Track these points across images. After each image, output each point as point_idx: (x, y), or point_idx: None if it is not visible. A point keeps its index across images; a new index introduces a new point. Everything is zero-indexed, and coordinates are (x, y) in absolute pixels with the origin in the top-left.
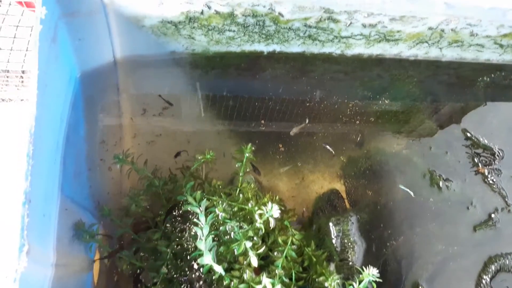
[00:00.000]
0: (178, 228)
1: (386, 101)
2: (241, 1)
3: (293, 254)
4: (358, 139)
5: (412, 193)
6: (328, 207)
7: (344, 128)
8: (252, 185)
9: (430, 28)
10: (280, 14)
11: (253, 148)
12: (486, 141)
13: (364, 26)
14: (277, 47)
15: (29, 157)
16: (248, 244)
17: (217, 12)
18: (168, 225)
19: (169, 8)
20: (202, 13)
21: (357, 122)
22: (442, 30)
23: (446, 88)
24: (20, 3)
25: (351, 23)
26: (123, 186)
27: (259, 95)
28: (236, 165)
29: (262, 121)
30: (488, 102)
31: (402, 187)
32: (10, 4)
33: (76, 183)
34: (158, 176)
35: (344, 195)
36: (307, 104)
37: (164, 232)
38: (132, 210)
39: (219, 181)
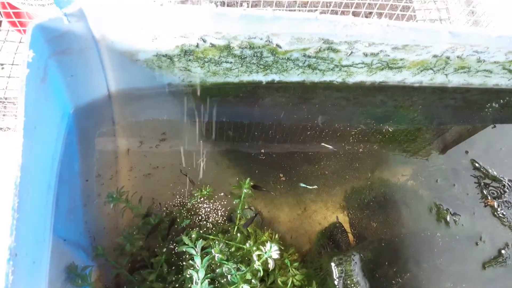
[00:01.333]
0: (174, 268)
1: (390, 129)
2: (237, 34)
3: None
4: (359, 166)
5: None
6: (330, 243)
7: (347, 156)
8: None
9: (435, 56)
10: (278, 45)
11: (251, 180)
12: (495, 172)
13: (365, 55)
14: (276, 77)
15: (14, 211)
16: (246, 287)
17: (213, 45)
18: (164, 266)
19: (163, 42)
20: (197, 46)
21: (360, 150)
22: (448, 57)
23: (453, 114)
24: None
25: (351, 52)
26: (120, 221)
27: (258, 124)
28: (234, 202)
29: (262, 150)
30: (497, 129)
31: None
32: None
33: (70, 220)
34: (154, 213)
35: (347, 227)
36: (308, 133)
37: (160, 273)
38: (127, 249)
39: (218, 216)
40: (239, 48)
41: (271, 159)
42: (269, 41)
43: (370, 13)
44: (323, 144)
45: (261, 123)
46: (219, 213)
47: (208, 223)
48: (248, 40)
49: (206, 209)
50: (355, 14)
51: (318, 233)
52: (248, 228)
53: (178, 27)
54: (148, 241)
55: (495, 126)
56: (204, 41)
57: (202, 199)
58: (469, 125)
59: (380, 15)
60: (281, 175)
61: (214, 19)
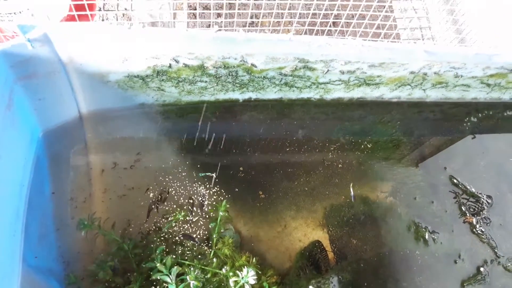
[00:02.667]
0: None
1: (368, 144)
2: (211, 55)
3: None
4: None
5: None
6: (308, 265)
7: (326, 172)
8: (230, 241)
9: (412, 72)
10: (253, 65)
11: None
12: (473, 188)
13: (342, 72)
14: (252, 95)
15: None
16: None
17: (186, 65)
18: None
19: (135, 63)
20: (170, 66)
21: (339, 166)
22: (425, 74)
23: (432, 129)
24: None
25: (328, 70)
26: (95, 244)
27: (237, 142)
28: (210, 226)
29: (241, 168)
30: (476, 143)
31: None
32: None
33: (41, 247)
34: (129, 238)
35: (327, 245)
36: (287, 149)
37: None
38: (100, 277)
39: (196, 237)
40: (214, 67)
41: (250, 177)
42: (243, 61)
43: (350, 23)
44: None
45: (239, 141)
46: (198, 234)
47: (185, 247)
48: (222, 60)
49: (184, 231)
50: (335, 24)
51: (297, 253)
52: (226, 251)
53: (148, 49)
54: (123, 267)
55: (474, 137)
56: (177, 61)
57: (179, 221)
58: (447, 139)
59: (360, 25)
60: (261, 193)
61: (186, 41)
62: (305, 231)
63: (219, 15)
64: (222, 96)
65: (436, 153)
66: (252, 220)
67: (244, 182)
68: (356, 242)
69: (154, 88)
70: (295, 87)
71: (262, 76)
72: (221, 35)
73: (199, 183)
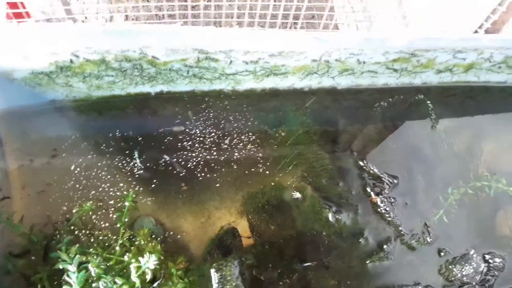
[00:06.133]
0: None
1: (282, 133)
2: (109, 48)
3: None
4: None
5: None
6: (218, 250)
7: (245, 162)
8: (146, 231)
9: (314, 60)
10: (154, 57)
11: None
12: (380, 170)
13: (246, 63)
14: (164, 88)
15: None
16: None
17: (87, 60)
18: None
19: (36, 60)
20: (71, 62)
21: (257, 155)
22: (327, 61)
23: (344, 116)
24: None
25: (231, 61)
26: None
27: (153, 136)
28: (115, 215)
29: (161, 161)
30: (387, 127)
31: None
32: None
33: None
34: (41, 230)
35: (246, 231)
36: (206, 141)
37: None
38: (9, 269)
39: (111, 228)
40: (116, 61)
41: (171, 169)
42: (144, 53)
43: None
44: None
45: (156, 134)
46: (112, 225)
47: (96, 237)
48: (122, 54)
49: (100, 222)
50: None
51: (208, 240)
52: (142, 241)
53: (45, 45)
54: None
55: (386, 121)
56: (77, 56)
57: (93, 213)
58: (359, 125)
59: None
60: (183, 184)
61: (79, 36)
62: (229, 220)
63: (185, 16)
64: (132, 89)
65: (346, 138)
66: (175, 211)
67: (165, 175)
68: (268, 227)
69: (62, 84)
70: (205, 78)
71: (168, 68)
72: (111, 28)
73: (118, 177)
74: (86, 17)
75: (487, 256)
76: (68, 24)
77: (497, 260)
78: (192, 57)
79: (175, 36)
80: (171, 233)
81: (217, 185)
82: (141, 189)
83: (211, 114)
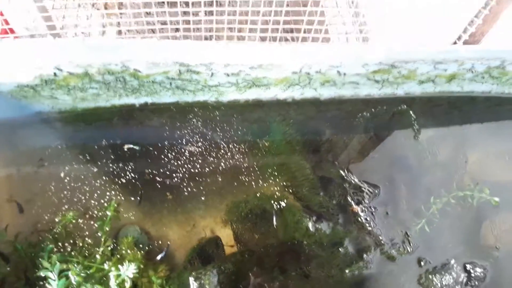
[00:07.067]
0: None
1: (266, 143)
2: (91, 62)
3: None
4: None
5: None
6: (198, 258)
7: (230, 172)
8: (130, 239)
9: (294, 72)
10: (136, 70)
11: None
12: (361, 180)
13: (227, 75)
14: (148, 99)
15: None
16: None
17: (71, 74)
18: None
19: (21, 74)
20: (55, 75)
21: (242, 165)
22: (308, 73)
23: (327, 126)
24: None
25: (213, 73)
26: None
27: (139, 146)
28: (96, 224)
29: (147, 171)
30: (370, 137)
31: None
32: None
33: None
34: (26, 238)
35: (230, 240)
36: (190, 151)
37: None
38: None
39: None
40: (99, 74)
41: (156, 179)
42: (125, 67)
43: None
44: None
45: (142, 145)
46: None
47: (78, 245)
48: (105, 67)
49: (83, 231)
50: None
51: (190, 249)
52: (123, 251)
53: (28, 60)
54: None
55: (368, 131)
56: (60, 70)
57: (78, 221)
58: (341, 135)
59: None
60: (168, 194)
61: (59, 51)
62: (214, 229)
63: (177, 30)
64: (117, 101)
65: (329, 148)
66: (161, 220)
67: (151, 184)
68: (251, 234)
69: (47, 96)
70: (188, 90)
71: (151, 81)
72: (91, 43)
73: (103, 186)
74: (66, 33)
75: (468, 266)
76: (49, 39)
77: (478, 270)
78: (173, 70)
79: (154, 50)
80: (156, 241)
81: (203, 194)
82: (127, 198)
83: (195, 124)
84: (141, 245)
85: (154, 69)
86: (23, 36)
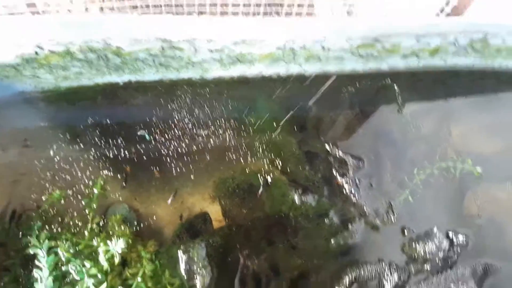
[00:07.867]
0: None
1: (252, 120)
2: (72, 40)
3: (143, 285)
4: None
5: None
6: (186, 233)
7: (217, 149)
8: (118, 217)
9: (279, 48)
10: (118, 47)
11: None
12: (345, 154)
13: (211, 51)
14: (131, 77)
15: None
16: (90, 282)
17: (52, 52)
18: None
19: (1, 53)
20: (37, 54)
21: (228, 142)
22: (292, 48)
23: (312, 102)
24: None
25: (196, 49)
26: None
27: (124, 124)
28: (83, 202)
29: (133, 149)
30: (355, 112)
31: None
32: None
33: None
34: (11, 217)
35: (218, 215)
36: (177, 129)
37: (15, 275)
38: None
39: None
40: (80, 52)
41: (144, 158)
42: (107, 44)
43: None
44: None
45: (128, 123)
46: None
47: (67, 223)
48: (86, 45)
49: (71, 209)
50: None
51: (178, 225)
52: (114, 227)
53: (7, 38)
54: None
55: (354, 107)
56: (41, 48)
57: (66, 200)
58: (327, 111)
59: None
60: (156, 172)
61: (39, 28)
62: (203, 205)
63: (159, 6)
64: (100, 80)
65: (314, 123)
66: (149, 198)
67: (138, 163)
68: (238, 209)
69: (29, 76)
70: (172, 67)
71: (134, 58)
72: (71, 19)
73: (91, 165)
74: (43, 10)
75: (450, 234)
76: (28, 16)
77: (461, 237)
78: (156, 46)
79: (136, 26)
80: (145, 218)
81: (190, 172)
82: (114, 177)
83: (180, 102)
84: (129, 223)
85: (136, 46)
86: (2, 14)
